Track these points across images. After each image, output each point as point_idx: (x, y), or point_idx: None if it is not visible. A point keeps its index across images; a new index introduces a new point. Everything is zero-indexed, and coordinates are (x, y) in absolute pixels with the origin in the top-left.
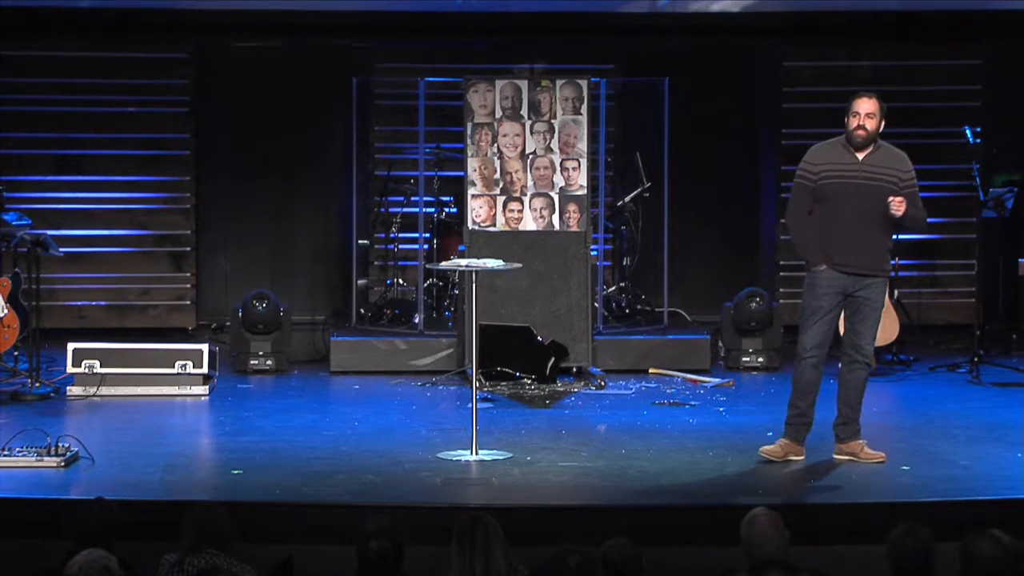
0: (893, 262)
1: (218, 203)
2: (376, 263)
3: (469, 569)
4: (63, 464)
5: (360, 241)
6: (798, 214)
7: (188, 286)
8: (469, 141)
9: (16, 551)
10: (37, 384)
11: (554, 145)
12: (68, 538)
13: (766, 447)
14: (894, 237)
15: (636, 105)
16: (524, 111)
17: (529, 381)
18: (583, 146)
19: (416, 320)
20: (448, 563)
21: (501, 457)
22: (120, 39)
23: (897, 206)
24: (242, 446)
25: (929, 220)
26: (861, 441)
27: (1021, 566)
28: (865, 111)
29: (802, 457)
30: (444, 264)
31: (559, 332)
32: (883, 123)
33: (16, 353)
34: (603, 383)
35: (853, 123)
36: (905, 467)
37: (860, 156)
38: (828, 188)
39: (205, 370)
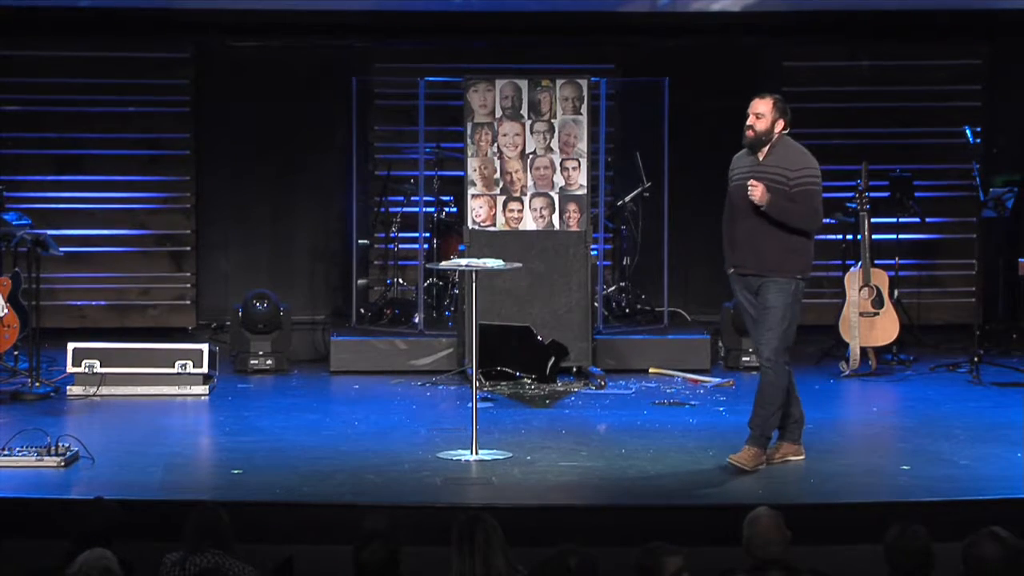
0: (892, 262)
1: (218, 203)
2: (376, 263)
3: (469, 569)
4: (63, 464)
5: (360, 241)
6: (724, 219)
7: (188, 286)
8: (469, 141)
9: (16, 551)
10: (37, 384)
11: (554, 145)
12: (67, 538)
13: (736, 456)
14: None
15: (636, 105)
16: (524, 111)
17: (529, 381)
18: (583, 146)
19: (416, 320)
20: (448, 563)
21: (501, 457)
22: (120, 39)
23: (752, 190)
24: (242, 446)
25: (929, 220)
26: (756, 449)
27: (1022, 565)
28: (753, 111)
29: (802, 457)
30: (444, 264)
31: (559, 332)
32: (781, 123)
33: (16, 353)
34: (603, 383)
35: (746, 124)
36: (905, 467)
37: (760, 157)
38: (732, 191)
39: (205, 370)
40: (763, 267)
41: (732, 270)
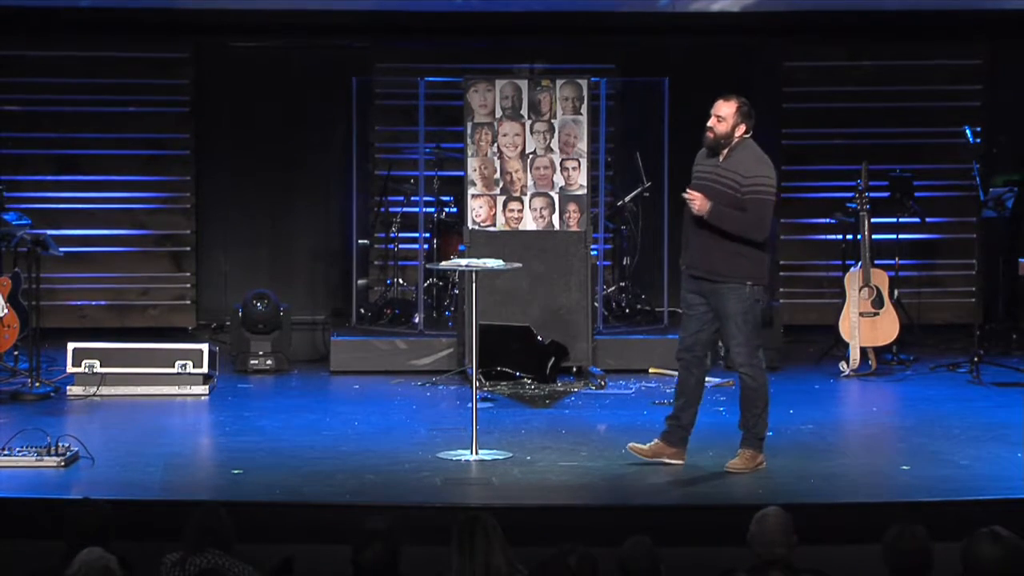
0: (892, 262)
1: (218, 203)
2: (376, 263)
3: (469, 569)
4: (63, 464)
5: (360, 241)
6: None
7: (188, 286)
8: (469, 141)
9: (16, 551)
10: (37, 384)
11: (554, 145)
12: (63, 539)
13: (635, 444)
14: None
15: (636, 105)
16: (524, 111)
17: (529, 381)
18: (583, 146)
19: (416, 320)
20: (448, 563)
21: (501, 457)
22: (120, 39)
23: (691, 201)
24: (242, 446)
25: (929, 220)
26: (750, 451)
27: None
28: (716, 113)
29: (681, 462)
30: (444, 264)
31: (559, 332)
32: (742, 128)
33: (16, 353)
34: (603, 383)
35: (707, 125)
36: (905, 467)
37: (720, 159)
38: (693, 187)
39: (205, 370)
40: (712, 271)
41: (684, 268)
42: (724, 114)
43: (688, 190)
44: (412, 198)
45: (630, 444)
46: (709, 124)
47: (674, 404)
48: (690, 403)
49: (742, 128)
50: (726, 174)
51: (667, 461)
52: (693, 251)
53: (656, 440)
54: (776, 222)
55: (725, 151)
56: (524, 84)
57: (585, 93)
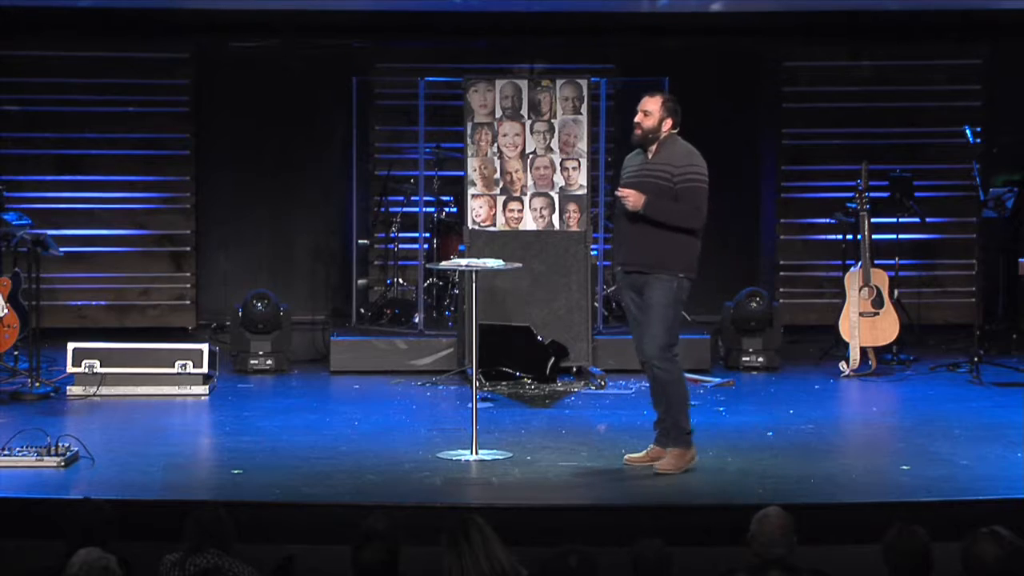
0: (892, 262)
1: (218, 203)
2: (376, 263)
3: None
4: (63, 464)
5: (360, 241)
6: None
7: (188, 286)
8: (469, 141)
9: (16, 551)
10: (37, 384)
11: (554, 145)
12: (63, 538)
13: (631, 454)
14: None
15: (636, 105)
16: (524, 111)
17: (529, 381)
18: (583, 146)
19: (416, 320)
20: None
21: (501, 457)
22: (120, 39)
23: (624, 198)
24: (242, 446)
25: (929, 220)
26: (678, 449)
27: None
28: (642, 109)
29: (660, 461)
30: (444, 264)
31: (559, 332)
32: (669, 122)
33: (16, 353)
34: (603, 383)
35: (634, 122)
36: (905, 467)
37: (649, 156)
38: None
39: (205, 370)
40: (646, 264)
41: (619, 268)
42: (650, 109)
43: (620, 188)
44: (412, 198)
45: (626, 456)
46: (636, 120)
47: (656, 409)
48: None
49: (669, 123)
50: (657, 169)
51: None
52: (627, 247)
53: (652, 446)
54: (777, 222)
55: (654, 147)
56: (524, 84)
57: (585, 93)
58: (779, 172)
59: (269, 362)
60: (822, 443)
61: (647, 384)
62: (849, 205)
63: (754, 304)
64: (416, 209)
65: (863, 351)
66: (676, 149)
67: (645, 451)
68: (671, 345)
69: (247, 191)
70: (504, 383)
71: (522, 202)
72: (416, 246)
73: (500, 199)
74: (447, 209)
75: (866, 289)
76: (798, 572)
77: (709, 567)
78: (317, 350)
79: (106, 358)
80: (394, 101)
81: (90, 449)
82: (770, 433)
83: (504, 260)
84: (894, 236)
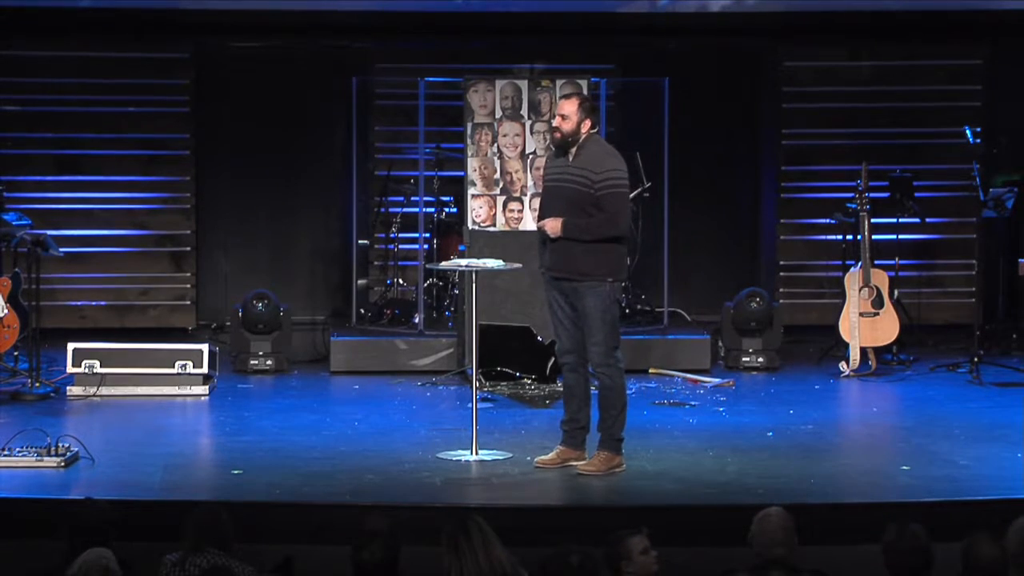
0: (892, 262)
1: (218, 203)
2: (376, 263)
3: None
4: (63, 464)
5: (360, 241)
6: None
7: (188, 286)
8: (469, 141)
9: (16, 551)
10: (37, 384)
11: None
12: (63, 539)
13: (541, 457)
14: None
15: (636, 105)
16: (524, 111)
17: (529, 381)
18: None
19: (416, 320)
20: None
21: (501, 457)
22: (120, 39)
23: (541, 226)
24: (242, 446)
25: (929, 220)
26: (607, 453)
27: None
28: (559, 113)
29: (584, 462)
30: (444, 264)
31: None
32: (587, 123)
33: (16, 353)
34: None
35: (552, 126)
36: (905, 467)
37: (569, 159)
38: (544, 192)
39: (205, 370)
40: (574, 271)
41: (544, 271)
42: (568, 112)
43: (538, 221)
44: (412, 198)
45: (537, 459)
46: (554, 124)
47: (567, 409)
48: (583, 404)
49: (587, 124)
50: (577, 173)
51: (575, 464)
52: (553, 252)
53: (559, 447)
54: (777, 222)
55: (574, 149)
56: (524, 84)
57: (585, 93)
58: (779, 172)
59: (269, 362)
60: (822, 443)
61: (647, 384)
62: (849, 205)
63: (754, 304)
64: (416, 209)
65: (863, 351)
66: (596, 152)
67: (554, 452)
68: (615, 348)
69: (247, 191)
70: (504, 383)
71: (522, 202)
72: (416, 246)
73: (500, 199)
74: (447, 209)
75: (866, 289)
76: (799, 572)
77: (709, 567)
78: (317, 350)
79: (106, 358)
80: (394, 101)
81: (90, 449)
82: (770, 433)
83: (504, 260)
84: (894, 236)
